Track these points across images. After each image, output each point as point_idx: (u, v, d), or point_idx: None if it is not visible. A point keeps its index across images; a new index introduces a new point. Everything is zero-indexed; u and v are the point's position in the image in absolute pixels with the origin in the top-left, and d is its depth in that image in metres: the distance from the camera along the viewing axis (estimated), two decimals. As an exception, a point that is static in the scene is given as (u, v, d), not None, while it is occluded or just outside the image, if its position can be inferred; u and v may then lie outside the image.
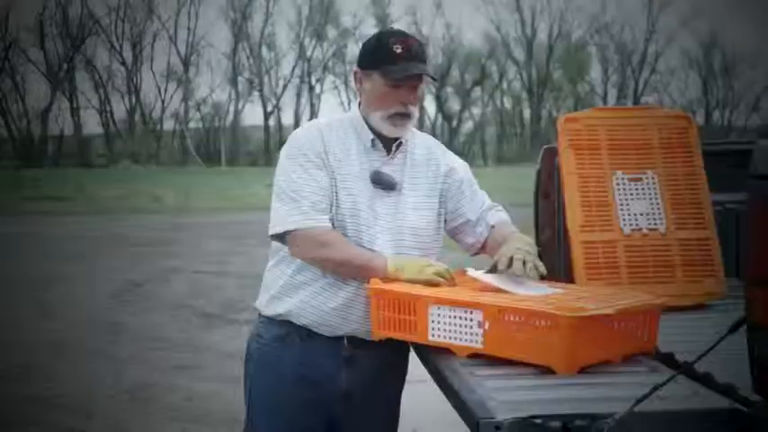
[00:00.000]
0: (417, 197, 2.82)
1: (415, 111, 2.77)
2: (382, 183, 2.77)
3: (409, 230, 2.79)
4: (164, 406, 6.14)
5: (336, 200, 2.73)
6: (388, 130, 2.76)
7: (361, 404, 2.82)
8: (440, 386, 2.43)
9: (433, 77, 2.80)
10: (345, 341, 2.77)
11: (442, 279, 2.62)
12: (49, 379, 6.76)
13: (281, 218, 2.72)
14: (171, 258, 12.88)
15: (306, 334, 2.77)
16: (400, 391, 2.98)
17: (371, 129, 2.79)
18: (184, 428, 5.68)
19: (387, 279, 2.65)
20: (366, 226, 2.73)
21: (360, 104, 2.83)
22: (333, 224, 2.72)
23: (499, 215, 2.93)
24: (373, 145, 2.79)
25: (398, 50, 2.69)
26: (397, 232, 2.77)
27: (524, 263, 2.58)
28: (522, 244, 2.68)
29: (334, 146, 2.76)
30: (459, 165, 2.94)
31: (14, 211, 20.71)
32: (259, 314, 2.89)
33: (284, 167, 2.76)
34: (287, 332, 2.79)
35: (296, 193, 2.70)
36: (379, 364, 2.82)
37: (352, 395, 2.80)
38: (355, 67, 2.81)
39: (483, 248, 2.91)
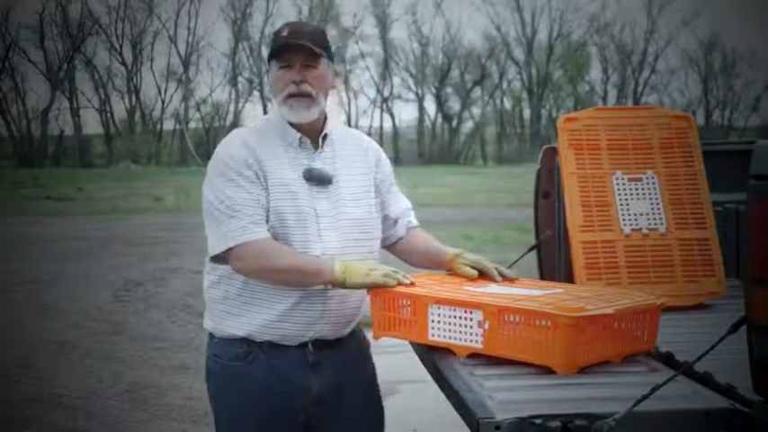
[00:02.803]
0: (353, 188, 2.81)
1: (312, 90, 2.73)
2: (315, 179, 2.74)
3: (352, 222, 2.77)
4: (164, 406, 6.14)
5: (276, 205, 2.68)
6: (287, 114, 2.74)
7: (335, 406, 2.78)
8: (440, 386, 2.43)
9: (313, 48, 2.73)
10: (310, 346, 2.72)
11: (391, 281, 2.60)
12: (48, 379, 6.75)
13: (220, 236, 2.67)
14: (171, 258, 12.86)
15: (269, 347, 2.71)
16: (376, 387, 2.94)
17: (294, 126, 2.77)
18: (184, 428, 5.68)
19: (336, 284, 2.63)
20: (310, 225, 2.70)
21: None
22: (276, 230, 2.68)
23: (414, 219, 3.00)
24: (300, 143, 2.77)
25: (284, 33, 2.73)
26: (340, 226, 2.74)
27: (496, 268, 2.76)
28: (473, 255, 2.82)
29: (262, 152, 2.72)
30: (385, 158, 2.96)
31: (14, 211, 20.68)
32: (211, 335, 2.81)
33: (215, 184, 2.70)
34: (248, 350, 2.72)
35: (231, 209, 2.66)
36: (345, 363, 2.78)
37: (323, 399, 2.75)
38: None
39: (391, 246, 2.96)
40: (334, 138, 2.83)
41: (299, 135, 2.77)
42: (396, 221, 2.94)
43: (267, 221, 2.68)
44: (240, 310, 2.72)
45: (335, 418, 2.79)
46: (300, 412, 2.74)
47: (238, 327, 2.72)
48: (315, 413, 2.76)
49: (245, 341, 2.72)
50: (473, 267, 2.79)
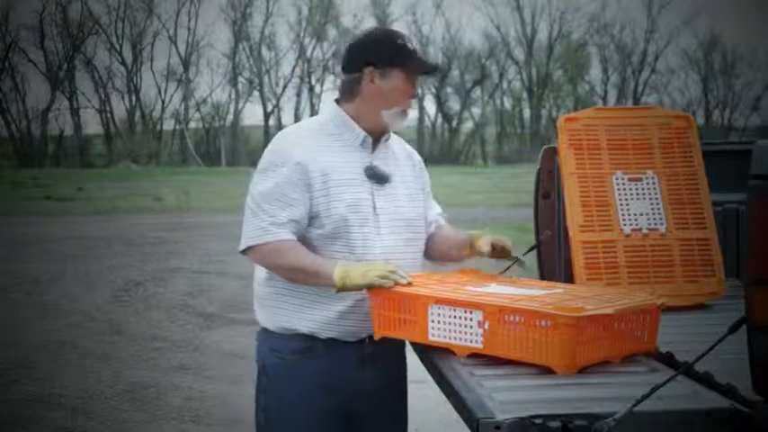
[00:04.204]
0: (408, 189, 2.88)
1: None
2: (376, 176, 2.80)
3: (405, 222, 2.83)
4: (164, 406, 6.14)
5: (335, 204, 2.72)
6: (397, 123, 2.84)
7: (380, 401, 2.85)
8: (440, 386, 2.43)
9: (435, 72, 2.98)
10: (367, 340, 2.77)
11: (388, 282, 2.60)
12: (48, 379, 6.76)
13: (244, 233, 2.76)
14: (171, 258, 12.87)
15: (329, 343, 2.77)
16: (406, 386, 3.01)
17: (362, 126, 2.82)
18: (184, 428, 5.68)
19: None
20: (370, 223, 2.76)
21: (339, 104, 2.85)
22: (338, 228, 2.72)
23: (443, 220, 3.08)
24: (363, 142, 2.82)
25: (412, 47, 2.83)
26: (396, 225, 2.80)
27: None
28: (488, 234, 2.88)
29: (318, 149, 2.76)
30: (423, 163, 3.05)
31: (14, 211, 20.67)
32: (265, 329, 2.85)
33: (255, 178, 2.80)
34: (309, 345, 2.78)
35: (259, 207, 2.73)
36: (394, 358, 2.86)
37: (372, 393, 2.82)
38: (367, 68, 2.79)
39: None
40: (387, 141, 2.90)
41: (363, 134, 2.82)
42: (429, 224, 3.01)
43: (309, 219, 2.72)
44: (298, 307, 2.77)
45: (377, 416, 2.85)
46: (350, 406, 2.80)
47: (299, 323, 2.77)
48: (361, 408, 2.82)
49: (307, 337, 2.77)
50: (493, 247, 2.81)
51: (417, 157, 3.03)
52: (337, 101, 2.88)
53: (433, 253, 3.01)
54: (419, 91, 2.92)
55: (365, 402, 2.82)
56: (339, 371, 2.77)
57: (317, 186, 2.72)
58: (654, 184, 3.41)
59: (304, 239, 2.75)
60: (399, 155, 2.94)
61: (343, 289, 2.64)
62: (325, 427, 2.79)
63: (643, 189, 3.40)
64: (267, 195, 2.72)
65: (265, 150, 2.84)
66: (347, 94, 2.84)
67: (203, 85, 79.21)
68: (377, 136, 2.85)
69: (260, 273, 2.86)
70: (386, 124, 2.83)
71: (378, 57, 2.80)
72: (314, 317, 2.75)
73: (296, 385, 2.79)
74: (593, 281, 3.24)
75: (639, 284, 3.21)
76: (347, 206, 2.73)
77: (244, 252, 2.78)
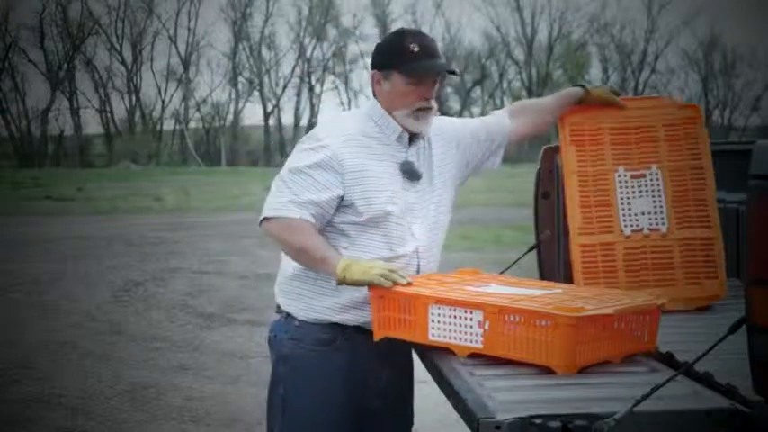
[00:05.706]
0: (435, 188, 2.88)
1: (434, 104, 2.85)
2: (410, 173, 2.82)
3: (432, 221, 2.85)
4: (164, 406, 6.14)
5: (373, 194, 2.74)
6: (412, 125, 2.82)
7: (394, 399, 2.88)
8: (440, 386, 2.43)
9: (453, 72, 2.94)
10: None
11: (386, 282, 2.60)
12: (48, 379, 6.75)
13: (266, 205, 2.78)
14: (171, 258, 12.85)
15: (352, 333, 2.77)
16: (413, 387, 3.03)
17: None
18: (184, 428, 5.67)
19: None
20: (403, 219, 2.78)
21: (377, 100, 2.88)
22: (377, 221, 2.74)
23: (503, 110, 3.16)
24: (399, 137, 2.83)
25: (416, 49, 2.77)
26: (424, 222, 2.83)
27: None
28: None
29: (360, 140, 2.79)
30: (439, 125, 2.96)
31: (14, 211, 20.66)
32: (287, 315, 2.84)
33: (292, 154, 2.83)
34: (334, 335, 2.78)
35: (285, 183, 2.75)
36: (404, 358, 2.88)
37: (388, 391, 2.85)
38: (372, 71, 2.84)
39: (521, 131, 3.13)
40: (423, 139, 2.91)
41: (400, 129, 2.83)
42: (496, 125, 3.07)
43: (342, 207, 2.74)
44: (332, 291, 2.76)
45: (386, 414, 2.86)
46: (367, 403, 2.82)
47: (333, 308, 2.77)
48: (374, 405, 2.83)
49: (334, 326, 2.77)
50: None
51: (446, 130, 2.97)
52: None
53: (525, 126, 3.14)
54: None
55: (381, 401, 2.84)
56: (362, 364, 2.78)
57: (352, 176, 2.74)
58: (657, 180, 3.30)
59: (335, 226, 2.77)
60: (433, 139, 2.92)
61: (343, 282, 2.66)
62: (341, 421, 2.80)
63: (646, 186, 3.30)
64: (295, 174, 2.75)
65: (316, 128, 2.89)
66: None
67: (203, 85, 79.28)
68: (411, 133, 2.86)
69: (290, 259, 2.85)
70: (403, 125, 2.83)
71: (379, 60, 2.85)
72: (349, 300, 2.74)
73: (319, 378, 2.78)
74: (591, 284, 3.18)
75: (638, 287, 3.16)
76: (387, 198, 2.75)
77: (261, 223, 2.79)
